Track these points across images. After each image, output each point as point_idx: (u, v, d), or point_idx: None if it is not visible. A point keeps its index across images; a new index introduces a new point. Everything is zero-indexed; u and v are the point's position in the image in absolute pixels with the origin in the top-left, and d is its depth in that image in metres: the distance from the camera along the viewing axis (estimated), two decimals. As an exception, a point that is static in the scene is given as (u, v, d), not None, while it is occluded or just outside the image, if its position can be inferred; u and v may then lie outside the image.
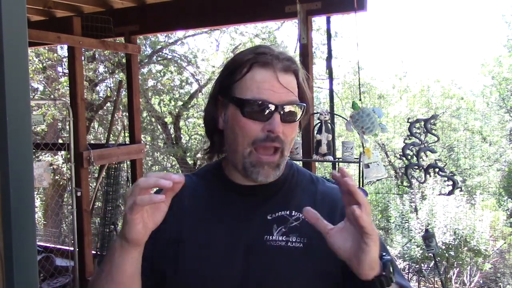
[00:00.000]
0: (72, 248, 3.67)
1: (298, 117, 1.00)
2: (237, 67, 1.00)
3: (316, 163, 3.32)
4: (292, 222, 1.00)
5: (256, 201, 1.03)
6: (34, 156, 5.78)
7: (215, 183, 1.08)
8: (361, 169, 2.78)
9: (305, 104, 1.00)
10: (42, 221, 9.03)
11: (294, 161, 1.19)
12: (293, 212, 1.01)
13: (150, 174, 0.83)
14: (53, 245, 4.82)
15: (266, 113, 0.95)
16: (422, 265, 6.49)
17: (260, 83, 0.96)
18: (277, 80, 0.96)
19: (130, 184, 4.20)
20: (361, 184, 2.83)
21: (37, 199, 8.93)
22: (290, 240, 0.98)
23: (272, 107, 0.95)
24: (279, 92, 0.96)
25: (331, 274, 0.98)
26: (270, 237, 0.99)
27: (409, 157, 2.76)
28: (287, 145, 0.99)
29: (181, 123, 10.02)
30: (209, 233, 1.01)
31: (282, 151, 0.98)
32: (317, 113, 3.02)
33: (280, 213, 1.01)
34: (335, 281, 0.99)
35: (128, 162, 4.23)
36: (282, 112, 0.96)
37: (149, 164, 9.74)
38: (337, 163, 3.11)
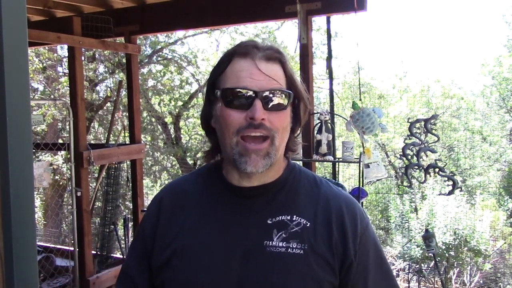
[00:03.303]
0: (72, 248, 3.66)
1: (286, 105, 0.97)
2: (220, 62, 1.00)
3: (316, 163, 3.32)
4: (292, 227, 0.96)
5: (255, 204, 1.00)
6: (34, 156, 5.78)
7: (213, 185, 1.05)
8: (361, 169, 2.78)
9: (290, 92, 0.97)
10: (42, 221, 9.03)
11: (297, 162, 1.15)
12: (294, 217, 0.98)
13: None
14: (53, 245, 4.82)
15: (246, 100, 0.94)
16: (422, 265, 6.48)
17: (239, 72, 0.96)
18: (256, 67, 0.95)
19: (130, 184, 4.19)
20: (361, 184, 2.82)
21: (37, 199, 8.92)
22: (291, 246, 0.95)
23: (252, 94, 0.93)
24: (258, 79, 0.94)
25: (331, 283, 0.96)
26: (270, 242, 0.95)
27: (409, 157, 2.75)
28: (276, 133, 0.95)
29: (181, 123, 10.02)
30: (205, 237, 0.98)
31: (272, 139, 0.95)
32: (317, 113, 3.02)
33: (280, 217, 0.98)
34: None
35: (128, 162, 4.23)
36: (264, 99, 0.94)
37: (149, 164, 9.72)
38: (337, 163, 3.11)
